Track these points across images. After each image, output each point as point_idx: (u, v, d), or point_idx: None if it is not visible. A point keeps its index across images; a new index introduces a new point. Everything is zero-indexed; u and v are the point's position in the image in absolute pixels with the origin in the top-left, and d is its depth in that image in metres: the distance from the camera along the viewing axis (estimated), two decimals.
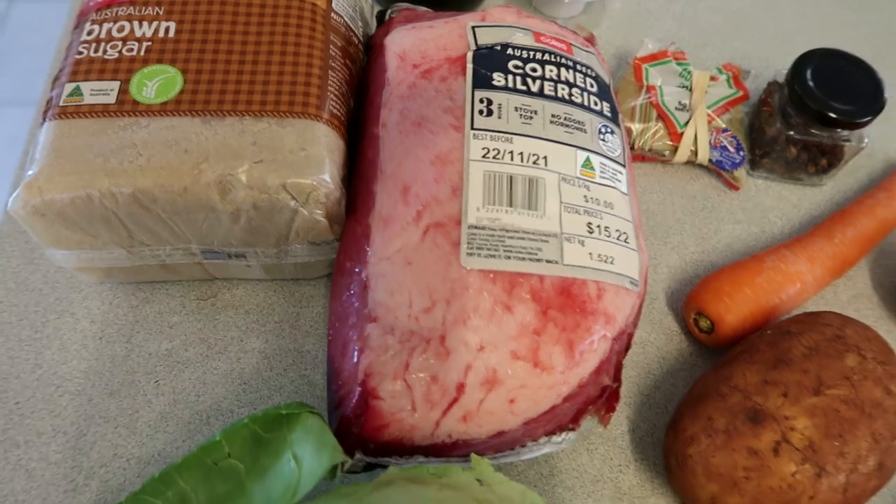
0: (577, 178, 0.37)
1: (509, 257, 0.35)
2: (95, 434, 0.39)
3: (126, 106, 0.36)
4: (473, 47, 0.40)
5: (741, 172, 0.50)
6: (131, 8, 0.39)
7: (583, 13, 0.57)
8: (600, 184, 0.38)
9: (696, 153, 0.49)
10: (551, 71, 0.40)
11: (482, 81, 0.38)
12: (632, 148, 0.50)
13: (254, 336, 0.42)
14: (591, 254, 0.36)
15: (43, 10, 1.55)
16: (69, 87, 0.37)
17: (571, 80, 0.40)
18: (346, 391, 0.34)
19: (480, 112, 0.37)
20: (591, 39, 0.46)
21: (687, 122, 0.49)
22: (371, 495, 0.28)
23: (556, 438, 0.37)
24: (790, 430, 0.34)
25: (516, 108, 0.38)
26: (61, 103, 0.36)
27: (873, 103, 0.45)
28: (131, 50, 0.38)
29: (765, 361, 0.37)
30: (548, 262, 0.35)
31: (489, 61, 0.39)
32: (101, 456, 0.39)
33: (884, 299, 0.47)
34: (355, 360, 0.34)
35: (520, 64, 0.39)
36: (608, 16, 0.58)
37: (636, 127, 0.49)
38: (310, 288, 0.44)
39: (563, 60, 0.41)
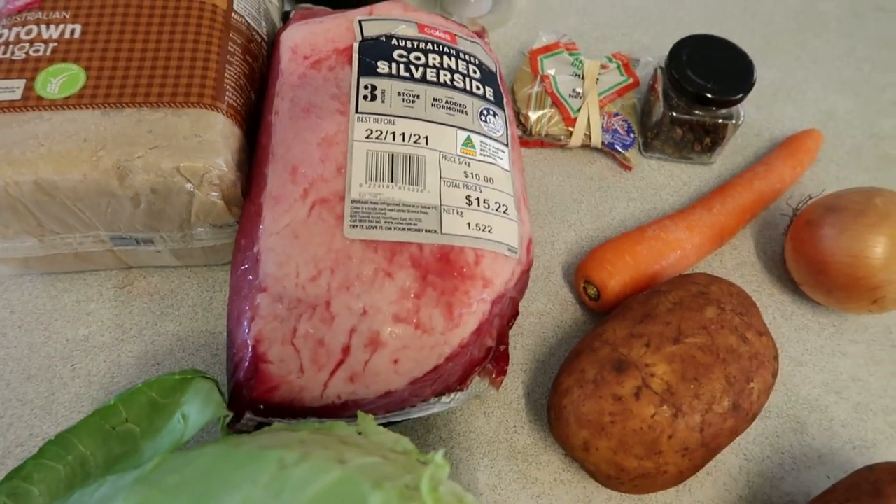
0: (458, 155, 0.40)
1: (390, 228, 0.37)
2: (12, 416, 0.41)
3: (30, 101, 0.39)
4: (360, 39, 0.43)
5: (633, 153, 0.53)
6: (40, 13, 0.42)
7: (491, 12, 0.61)
8: (481, 160, 0.41)
9: (590, 137, 0.52)
10: (434, 59, 0.43)
11: (367, 69, 0.41)
12: (529, 134, 0.53)
13: (168, 320, 0.45)
14: (469, 223, 0.39)
15: None
16: None
17: (454, 66, 0.43)
18: (240, 357, 0.37)
19: (365, 97, 0.40)
20: (480, 33, 0.49)
21: (580, 108, 0.52)
22: (238, 439, 0.30)
23: (444, 399, 0.40)
24: (650, 377, 0.36)
25: (399, 94, 0.41)
26: None
27: (744, 82, 0.49)
28: (38, 51, 0.40)
29: (634, 317, 0.39)
30: (427, 231, 0.38)
31: (374, 51, 0.42)
32: (17, 436, 0.40)
33: (766, 266, 0.50)
34: (247, 328, 0.37)
35: (403, 53, 0.42)
36: (515, 14, 0.62)
37: (533, 114, 0.52)
38: (222, 273, 0.47)
39: (446, 49, 0.44)
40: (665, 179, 0.54)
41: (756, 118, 0.57)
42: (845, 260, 0.43)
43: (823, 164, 0.55)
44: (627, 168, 0.53)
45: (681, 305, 0.39)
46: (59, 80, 0.40)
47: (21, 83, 0.39)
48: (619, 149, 0.52)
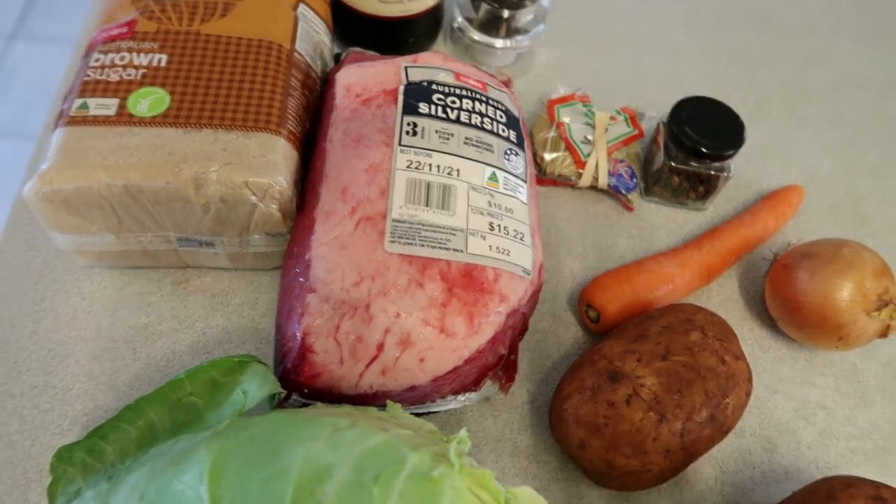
0: (484, 187, 0.47)
1: (423, 245, 0.44)
2: (80, 389, 0.47)
3: (123, 118, 0.45)
4: (405, 82, 0.49)
5: (635, 196, 0.60)
6: (132, 42, 0.49)
7: (514, 63, 0.68)
8: (503, 193, 0.47)
9: (597, 179, 0.59)
10: (467, 103, 0.50)
11: (410, 109, 0.48)
12: (544, 173, 0.59)
13: (218, 315, 0.51)
14: (490, 246, 0.45)
15: (37, 51, 1.65)
16: (78, 101, 0.46)
17: (483, 111, 0.50)
18: (289, 347, 0.43)
19: (407, 132, 0.47)
20: (507, 82, 0.56)
21: (590, 153, 0.59)
22: (297, 410, 0.36)
23: (460, 397, 0.46)
24: (640, 387, 0.42)
25: (436, 131, 0.48)
26: (71, 113, 0.45)
27: (736, 140, 0.56)
28: (130, 75, 0.47)
29: (629, 337, 0.46)
30: (455, 250, 0.44)
31: (417, 94, 0.49)
32: (83, 406, 0.46)
33: (748, 304, 0.56)
34: (297, 322, 0.43)
35: (441, 97, 0.49)
36: (535, 66, 0.69)
37: (548, 156, 0.59)
38: (267, 277, 0.53)
39: (478, 96, 0.51)
40: (662, 221, 0.60)
41: (746, 171, 0.64)
42: (816, 300, 0.50)
43: (805, 217, 0.62)
44: (629, 209, 0.60)
45: (669, 329, 0.45)
46: (148, 101, 0.46)
47: (115, 101, 0.46)
48: (622, 191, 0.59)
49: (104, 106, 0.46)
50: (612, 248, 0.58)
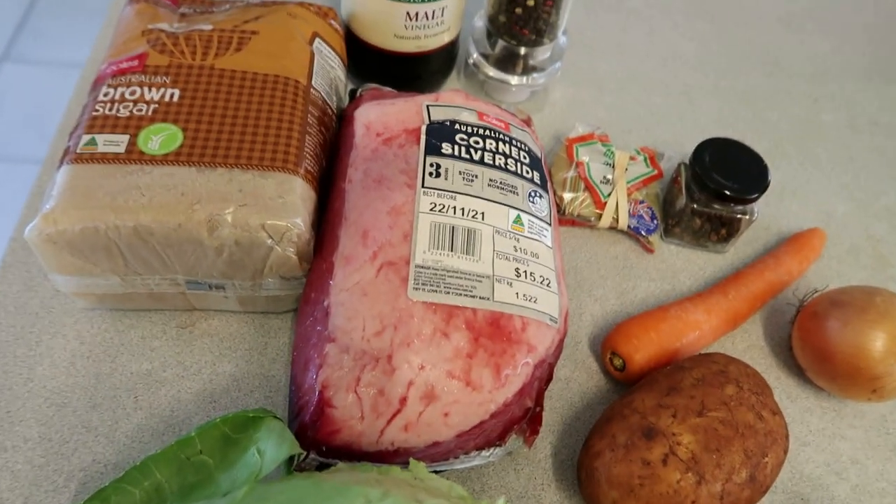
0: (509, 231, 0.45)
1: (448, 293, 0.42)
2: (77, 441, 0.44)
3: (133, 155, 0.43)
4: (427, 122, 0.48)
5: (655, 238, 0.58)
6: (143, 76, 0.47)
7: (528, 99, 0.67)
8: (528, 237, 0.46)
9: (617, 220, 0.57)
10: (491, 144, 0.48)
11: (433, 149, 0.46)
12: (563, 213, 0.58)
13: (226, 361, 0.48)
14: (517, 293, 0.43)
15: (27, 74, 1.62)
16: (85, 137, 0.44)
17: (507, 152, 0.48)
18: (305, 401, 0.40)
19: (430, 174, 0.45)
20: (527, 121, 0.55)
21: (610, 194, 0.58)
22: (321, 475, 0.33)
23: (484, 452, 0.43)
24: (677, 445, 0.40)
25: (460, 173, 0.46)
26: (78, 150, 0.43)
27: (760, 183, 0.54)
28: (140, 110, 0.45)
29: (661, 389, 0.44)
30: (481, 298, 0.42)
31: (439, 133, 0.47)
32: (81, 461, 0.43)
33: (773, 350, 0.55)
34: (315, 374, 0.40)
35: (465, 137, 0.48)
36: (549, 103, 0.68)
37: (567, 195, 0.57)
38: (278, 321, 0.50)
39: (501, 136, 0.49)
40: (683, 264, 0.59)
41: (765, 213, 0.63)
42: (848, 351, 0.48)
43: (825, 261, 0.61)
44: (650, 251, 0.58)
45: (703, 382, 0.43)
46: (160, 138, 0.44)
47: (125, 138, 0.44)
48: (643, 233, 0.57)
49: (113, 143, 0.44)
50: (632, 290, 0.56)
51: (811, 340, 0.50)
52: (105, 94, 0.46)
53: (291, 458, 0.38)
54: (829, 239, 0.62)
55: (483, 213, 0.45)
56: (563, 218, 0.58)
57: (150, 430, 0.45)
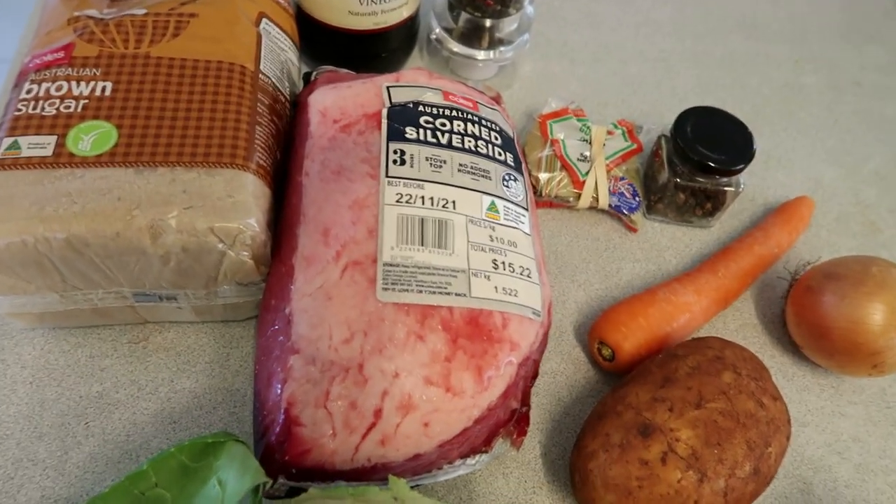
0: (483, 219, 0.42)
1: (421, 291, 0.38)
2: (23, 477, 0.40)
3: (62, 158, 0.39)
4: (388, 105, 0.44)
5: (638, 216, 0.55)
6: (69, 69, 0.42)
7: (496, 75, 0.63)
8: (504, 225, 0.42)
9: (597, 199, 0.54)
10: (459, 125, 0.44)
11: (396, 135, 0.43)
12: (539, 195, 0.54)
13: (184, 376, 0.44)
14: (496, 287, 0.40)
15: None
16: (7, 141, 0.39)
17: (477, 133, 0.45)
18: (271, 420, 0.37)
19: (394, 162, 0.41)
20: (496, 99, 0.51)
21: (588, 172, 0.54)
22: None
23: (469, 461, 0.40)
24: (675, 441, 0.37)
25: (427, 158, 0.42)
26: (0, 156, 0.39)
27: (745, 153, 0.51)
28: (69, 107, 0.40)
29: (655, 381, 0.41)
30: (457, 295, 0.39)
31: (402, 117, 0.43)
32: (28, 499, 0.39)
33: (766, 328, 0.52)
34: (279, 390, 0.37)
35: (430, 119, 0.44)
36: (518, 78, 0.64)
37: (543, 176, 0.54)
38: (239, 329, 0.47)
39: (470, 116, 0.45)
40: (668, 241, 0.56)
41: (749, 184, 0.60)
42: (846, 326, 0.45)
43: (814, 230, 0.58)
44: (633, 230, 0.55)
45: (699, 370, 0.41)
46: (91, 138, 0.40)
47: (52, 139, 0.39)
48: (625, 212, 0.54)
49: (39, 145, 0.39)
50: (617, 273, 0.53)
51: (806, 316, 0.48)
52: (28, 91, 0.41)
53: (258, 486, 0.35)
54: (818, 207, 0.60)
55: (454, 202, 0.41)
56: (540, 200, 0.55)
57: (104, 459, 0.41)
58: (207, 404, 0.43)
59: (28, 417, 0.42)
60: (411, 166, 0.42)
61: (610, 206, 0.54)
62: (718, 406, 0.39)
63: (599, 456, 0.38)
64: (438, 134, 0.43)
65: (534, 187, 0.54)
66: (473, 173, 0.43)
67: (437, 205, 0.41)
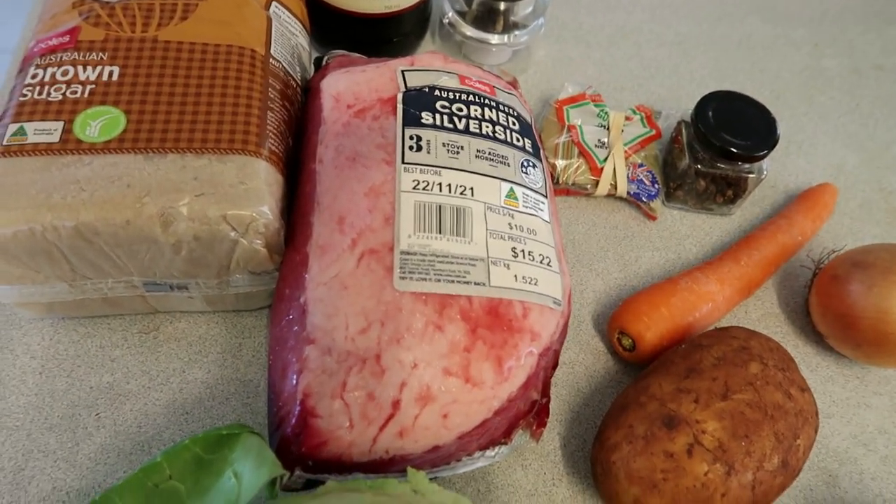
0: (502, 207, 0.40)
1: (439, 280, 0.37)
2: (34, 468, 0.39)
3: (69, 144, 0.38)
4: (403, 89, 0.43)
5: (657, 204, 0.54)
6: (75, 53, 0.41)
7: (510, 60, 0.62)
8: (523, 212, 0.41)
9: (615, 186, 0.53)
10: (476, 110, 0.43)
11: (412, 120, 0.41)
12: (556, 182, 0.53)
13: (196, 367, 0.43)
14: (516, 276, 0.39)
15: None
16: (13, 127, 0.38)
17: (495, 118, 0.44)
18: (286, 411, 0.36)
19: (410, 148, 0.40)
20: (513, 83, 0.50)
21: (606, 158, 0.53)
22: (310, 502, 0.29)
23: (489, 452, 0.39)
24: (701, 433, 0.36)
25: (444, 144, 0.41)
26: (4, 142, 0.38)
27: (768, 138, 0.50)
28: (75, 92, 0.39)
29: (678, 372, 0.40)
30: (476, 284, 0.37)
31: (418, 102, 0.42)
32: (39, 490, 0.39)
33: (789, 317, 0.51)
34: (294, 381, 0.36)
35: (446, 104, 0.43)
36: (534, 63, 0.63)
37: (560, 163, 0.53)
38: (252, 319, 0.46)
39: (487, 101, 0.44)
40: (688, 230, 0.54)
41: (770, 170, 0.59)
42: (875, 315, 0.44)
43: (837, 218, 0.57)
44: (652, 218, 0.54)
45: (724, 360, 0.39)
46: (99, 124, 0.39)
47: (59, 125, 0.38)
48: (643, 199, 0.53)
49: (45, 131, 0.38)
50: (636, 262, 0.52)
51: (832, 306, 0.46)
52: (33, 77, 0.40)
53: (275, 479, 0.34)
54: (840, 194, 0.58)
55: (472, 189, 0.40)
56: (557, 187, 0.54)
57: (115, 450, 0.40)
58: (220, 395, 0.43)
59: (38, 408, 0.41)
60: (428, 152, 0.40)
61: (628, 193, 0.53)
62: (745, 397, 0.38)
63: (623, 448, 0.37)
64: (455, 119, 0.42)
65: (551, 174, 0.53)
66: (491, 159, 0.42)
67: (455, 192, 0.40)
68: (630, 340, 0.45)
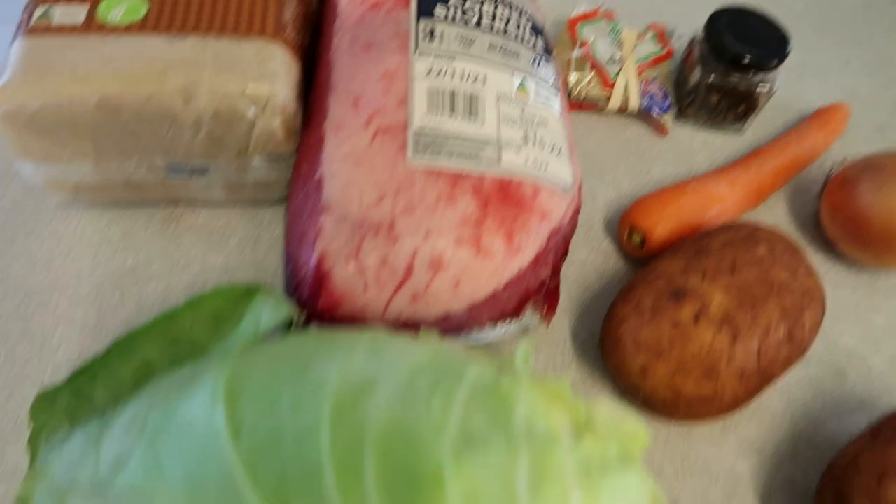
0: (514, 97, 0.41)
1: (452, 157, 0.38)
2: (62, 337, 0.41)
3: (93, 26, 0.39)
4: None
5: (669, 118, 0.54)
6: None
7: None
8: (535, 104, 0.42)
9: (627, 101, 0.54)
10: (487, 8, 0.44)
11: (426, 11, 0.42)
12: (569, 96, 0.54)
13: (216, 253, 0.45)
14: (526, 158, 0.39)
15: None
16: (39, 10, 0.40)
17: (507, 17, 0.44)
18: (302, 275, 0.37)
19: (424, 38, 0.41)
20: None
21: (618, 73, 0.54)
22: (328, 330, 0.30)
23: (499, 327, 0.40)
24: (708, 303, 0.37)
25: (456, 36, 0.42)
26: (31, 24, 0.39)
27: (780, 50, 0.50)
28: None
29: (687, 254, 0.40)
30: (487, 163, 0.38)
31: None
32: (67, 354, 0.40)
33: (799, 228, 0.51)
34: (311, 246, 0.37)
35: (458, 1, 0.44)
36: None
37: (572, 77, 0.53)
38: (270, 213, 0.47)
39: (499, 1, 0.45)
40: (699, 146, 0.55)
41: (783, 93, 0.59)
42: (883, 215, 0.45)
43: (850, 139, 0.57)
44: (664, 133, 0.55)
45: (733, 244, 0.40)
46: (122, 8, 0.40)
47: (84, 9, 0.40)
48: (656, 112, 0.54)
49: (70, 14, 0.40)
50: (647, 173, 0.53)
51: (842, 208, 0.47)
52: None
53: (290, 323, 0.35)
54: (854, 119, 0.58)
55: (485, 77, 0.41)
56: (570, 101, 0.54)
57: (138, 325, 0.41)
58: (239, 278, 0.44)
59: (64, 287, 0.42)
60: (441, 42, 0.41)
61: (641, 107, 0.54)
62: (752, 274, 0.38)
63: (631, 320, 0.38)
64: (468, 14, 0.43)
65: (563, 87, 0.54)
66: (503, 52, 0.42)
67: (468, 79, 0.40)
68: (640, 237, 0.46)
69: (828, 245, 0.50)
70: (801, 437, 0.42)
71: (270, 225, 0.46)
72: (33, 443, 0.31)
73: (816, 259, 0.50)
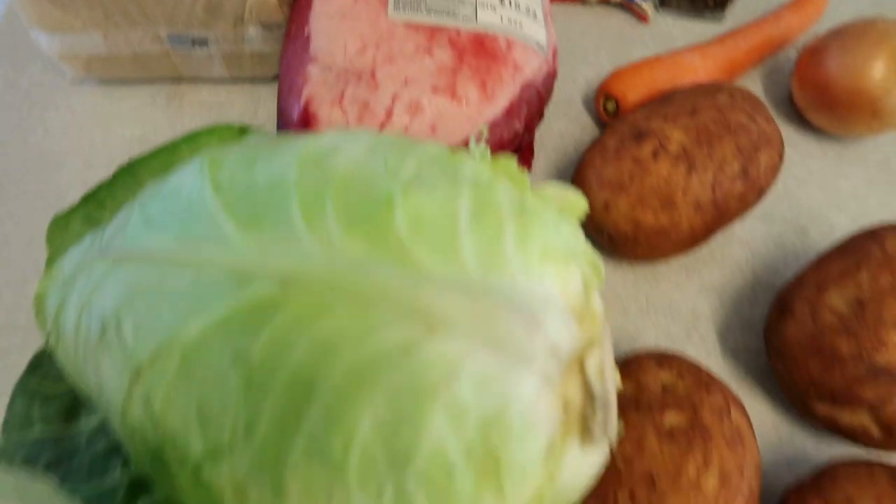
0: None
1: (430, 13, 0.41)
2: (77, 194, 0.44)
3: None
4: None
5: (649, 6, 0.56)
6: None
7: None
8: None
9: None
10: None
11: None
12: None
13: None
14: (501, 17, 0.42)
15: None
16: None
17: None
18: (289, 119, 0.40)
19: None
20: None
21: None
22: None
23: None
24: (667, 141, 0.40)
25: None
26: None
27: None
28: None
29: (654, 104, 0.43)
30: (464, 18, 0.41)
31: None
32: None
33: (773, 104, 0.54)
34: (298, 93, 0.40)
35: None
36: None
37: None
38: (266, 89, 0.50)
39: None
40: (680, 33, 0.57)
41: None
42: (847, 78, 0.47)
43: (828, 26, 0.59)
44: (644, 19, 0.57)
45: (696, 93, 0.43)
46: None
47: None
48: (635, 0, 0.56)
49: None
50: (628, 57, 0.55)
51: (810, 75, 0.49)
52: None
53: None
54: (834, 6, 0.60)
55: None
56: None
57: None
58: None
59: (78, 152, 0.46)
60: None
61: None
62: (711, 115, 0.41)
63: (596, 161, 0.41)
64: None
65: None
66: None
67: None
68: (614, 104, 0.49)
69: (801, 121, 0.52)
70: (761, 283, 0.45)
71: (267, 102, 0.50)
72: (50, 266, 0.35)
73: (787, 130, 0.52)
